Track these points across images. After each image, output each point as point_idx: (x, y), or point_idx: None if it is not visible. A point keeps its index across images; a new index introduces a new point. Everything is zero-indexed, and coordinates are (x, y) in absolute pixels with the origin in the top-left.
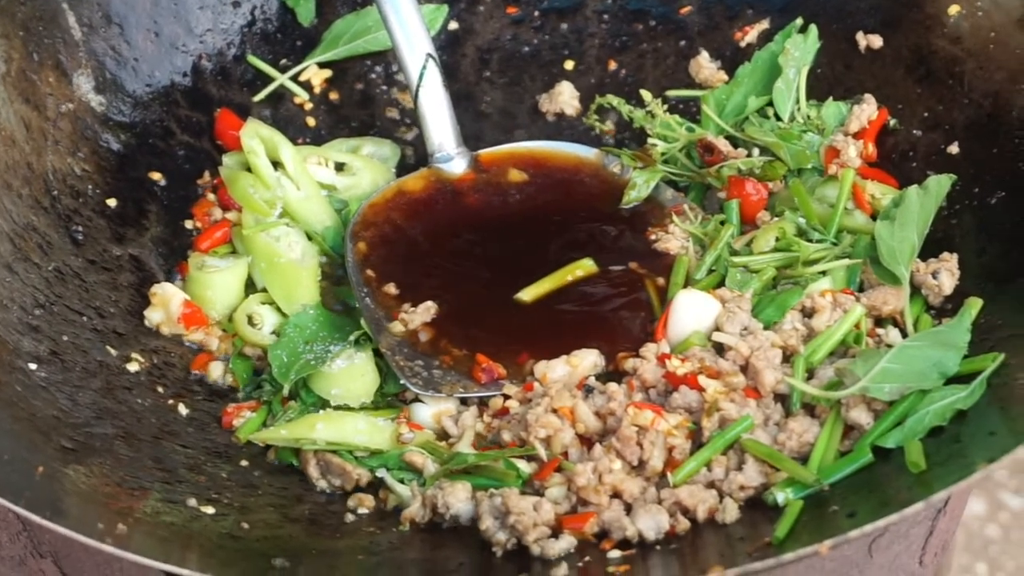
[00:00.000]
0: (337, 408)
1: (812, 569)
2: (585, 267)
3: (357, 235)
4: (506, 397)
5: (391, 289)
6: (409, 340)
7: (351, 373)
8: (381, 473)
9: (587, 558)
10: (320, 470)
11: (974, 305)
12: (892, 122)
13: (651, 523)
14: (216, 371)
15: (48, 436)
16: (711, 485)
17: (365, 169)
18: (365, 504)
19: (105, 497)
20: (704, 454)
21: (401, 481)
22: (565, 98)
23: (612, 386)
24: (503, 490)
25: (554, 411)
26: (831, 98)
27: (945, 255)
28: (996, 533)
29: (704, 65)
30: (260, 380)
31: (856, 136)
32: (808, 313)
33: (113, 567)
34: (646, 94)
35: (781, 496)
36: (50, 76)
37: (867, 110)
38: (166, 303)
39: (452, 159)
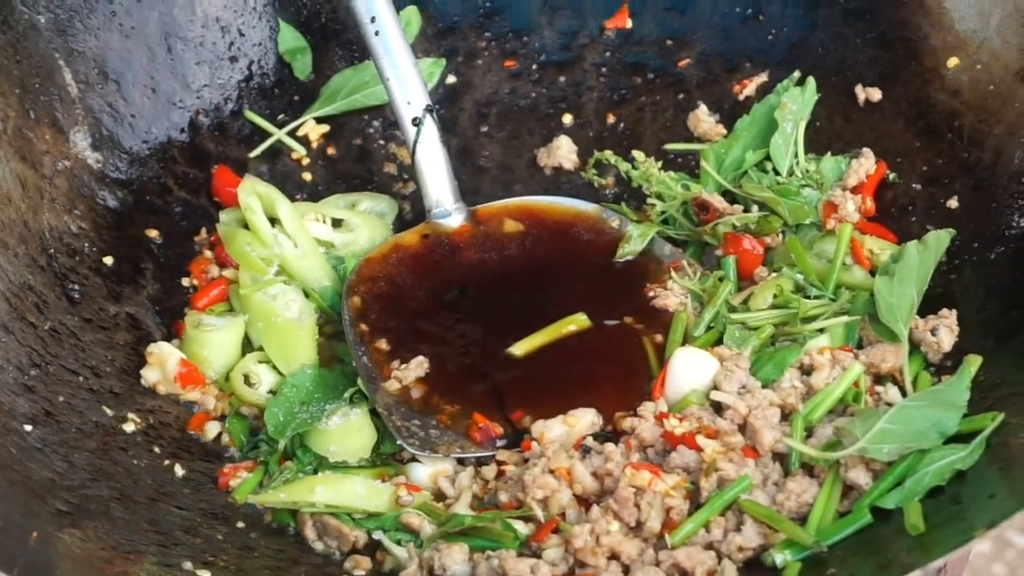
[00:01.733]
0: (335, 466)
1: None
2: (578, 321)
3: (352, 290)
4: (500, 463)
5: (382, 345)
6: (404, 398)
7: (348, 430)
8: (378, 535)
9: None
10: (317, 531)
11: (973, 363)
12: (891, 176)
13: None
14: (212, 431)
15: (43, 499)
16: (709, 546)
17: (363, 225)
18: (362, 566)
19: (100, 562)
20: (702, 515)
21: (398, 542)
22: (563, 152)
23: (609, 447)
24: (500, 552)
25: (551, 472)
26: (829, 152)
27: (944, 311)
28: (1002, 572)
29: (703, 119)
30: (257, 440)
31: (854, 190)
32: (807, 371)
33: None
34: (639, 154)
35: (780, 558)
36: (46, 133)
37: (865, 164)
38: (163, 362)
39: (450, 215)
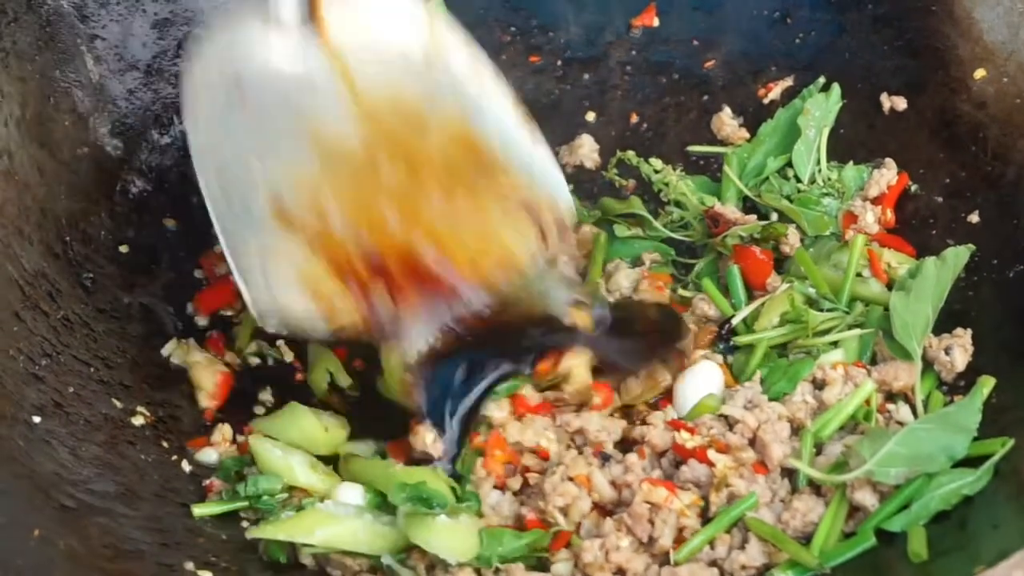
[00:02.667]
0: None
1: None
2: None
3: None
4: None
5: None
6: None
7: (455, 530)
8: (386, 559)
9: None
10: (319, 563)
11: (986, 384)
12: (913, 187)
13: None
14: (209, 456)
15: (48, 494)
16: (713, 563)
17: None
18: None
19: (103, 560)
20: (708, 531)
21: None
22: (585, 151)
23: (630, 457)
24: (508, 566)
25: (571, 479)
26: (851, 162)
27: (959, 331)
28: None
29: (727, 122)
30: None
31: (875, 201)
32: (819, 385)
33: None
34: (656, 162)
35: None
36: (66, 120)
37: (887, 175)
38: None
39: None
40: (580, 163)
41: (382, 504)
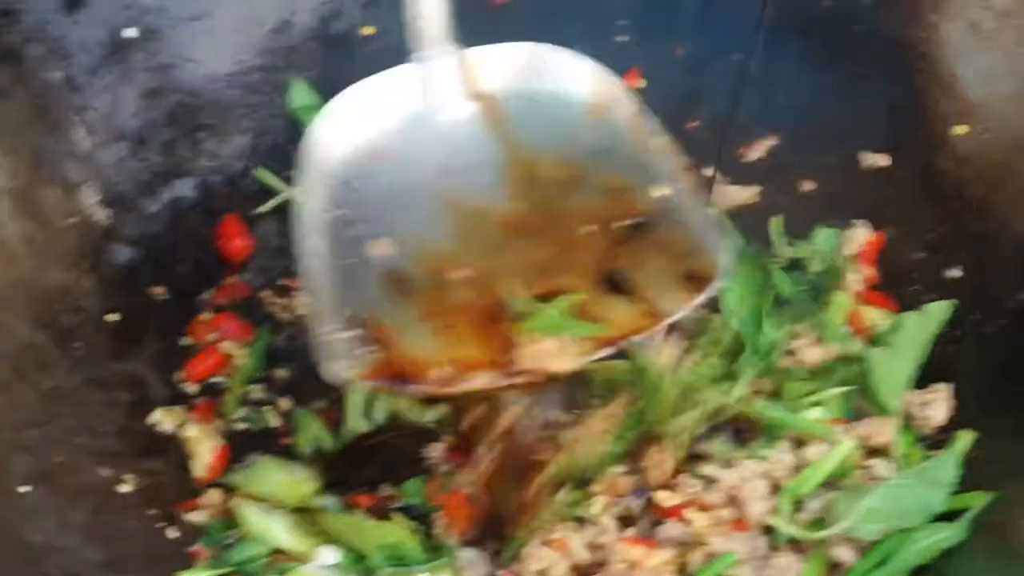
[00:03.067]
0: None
1: None
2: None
3: None
4: None
5: None
6: None
7: None
8: None
9: None
10: None
11: (963, 439)
12: (891, 235)
13: None
14: (199, 517)
15: (36, 563)
16: None
17: None
18: None
19: None
20: None
21: None
22: None
23: (605, 519)
24: None
25: (547, 543)
26: (823, 226)
27: (938, 386)
28: None
29: (727, 190)
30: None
31: (855, 260)
32: (799, 443)
33: None
34: None
35: None
36: (57, 190)
37: (861, 234)
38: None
39: (439, 57)
40: None
41: (357, 560)
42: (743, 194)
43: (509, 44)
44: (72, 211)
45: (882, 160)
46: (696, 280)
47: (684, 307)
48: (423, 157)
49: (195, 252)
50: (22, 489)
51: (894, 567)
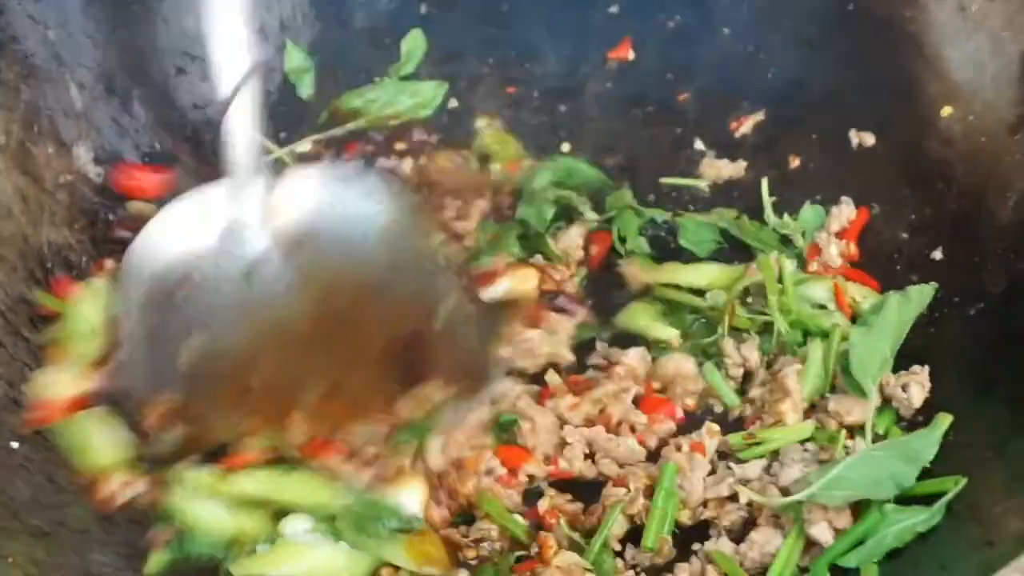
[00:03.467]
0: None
1: None
2: None
3: None
4: None
5: None
6: None
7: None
8: None
9: None
10: None
11: (943, 421)
12: (875, 210)
13: None
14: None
15: (22, 519)
16: None
17: None
18: None
19: None
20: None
21: None
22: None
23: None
24: None
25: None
26: (808, 202)
27: (916, 368)
28: None
29: (715, 163)
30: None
31: (839, 235)
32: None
33: None
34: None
35: None
36: (50, 147)
37: (845, 211)
38: None
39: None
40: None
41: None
42: (731, 168)
43: (314, 169)
44: (66, 169)
45: (868, 139)
46: (470, 381)
47: (455, 402)
48: (227, 275)
49: None
50: (14, 445)
51: (870, 549)
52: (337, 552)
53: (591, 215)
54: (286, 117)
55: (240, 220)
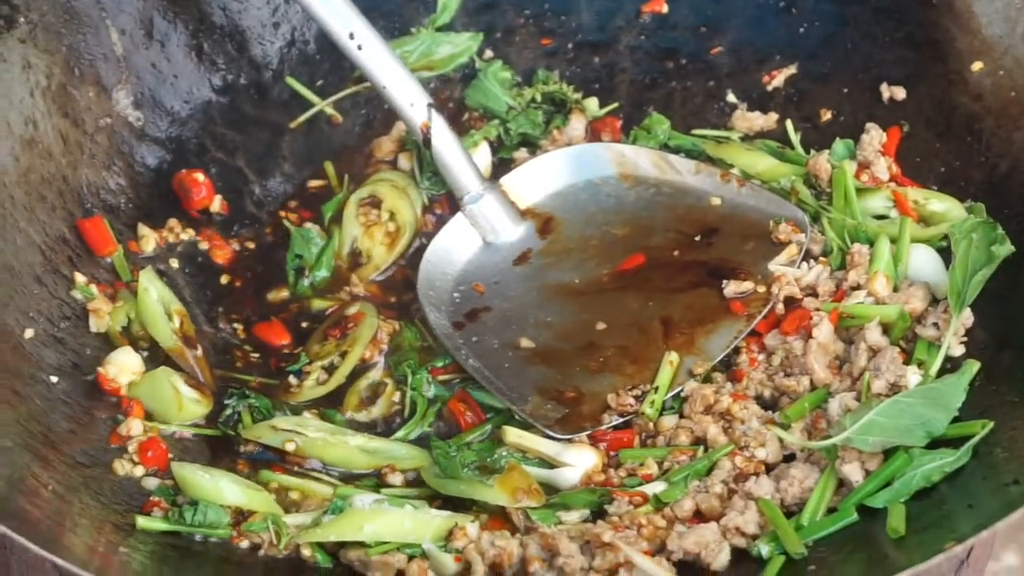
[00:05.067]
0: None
1: None
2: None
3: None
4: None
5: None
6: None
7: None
8: (427, 545)
9: None
10: (360, 567)
11: (971, 367)
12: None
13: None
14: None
15: (61, 451)
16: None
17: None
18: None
19: (115, 514)
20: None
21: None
22: (578, 132)
23: None
24: (552, 530)
25: None
26: (837, 137)
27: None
28: None
29: (747, 115)
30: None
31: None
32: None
33: None
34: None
35: (766, 549)
36: (90, 91)
37: (875, 136)
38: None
39: (481, 196)
40: (569, 141)
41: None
42: (762, 121)
43: (532, 160)
44: (105, 112)
45: (899, 93)
46: (785, 244)
47: (786, 265)
48: (507, 276)
49: (223, 156)
50: (53, 379)
51: (898, 489)
52: (404, 515)
53: (592, 105)
54: (324, 68)
55: (492, 228)
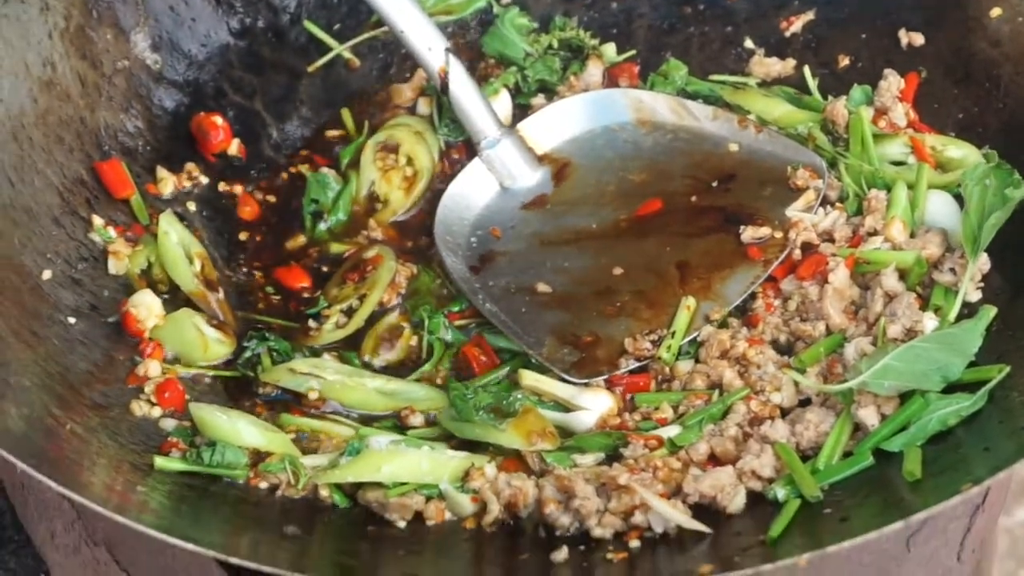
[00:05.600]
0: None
1: (850, 562)
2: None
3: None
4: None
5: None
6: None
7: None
8: (444, 486)
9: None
10: (378, 508)
11: (988, 312)
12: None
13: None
14: (155, 412)
15: (80, 392)
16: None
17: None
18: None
19: (132, 454)
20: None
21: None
22: (596, 78)
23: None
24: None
25: None
26: (855, 84)
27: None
28: None
29: (764, 61)
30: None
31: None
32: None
33: (166, 554)
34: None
35: (781, 492)
36: (108, 33)
37: (893, 82)
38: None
39: (498, 141)
40: (586, 87)
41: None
42: (780, 67)
43: (550, 105)
44: (123, 54)
45: (917, 39)
46: (802, 190)
47: (803, 211)
48: (523, 220)
49: (241, 100)
50: (71, 320)
51: (914, 433)
52: (422, 456)
53: (609, 51)
54: (342, 11)
55: (510, 173)
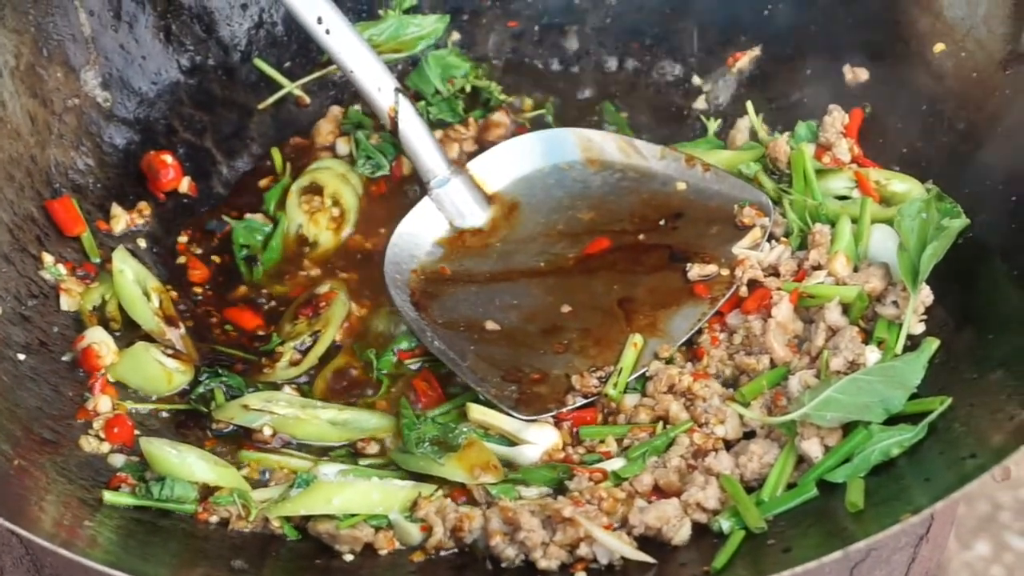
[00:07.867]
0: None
1: None
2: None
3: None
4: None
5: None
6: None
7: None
8: (394, 515)
9: None
10: (329, 540)
11: (930, 345)
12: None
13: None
14: (103, 448)
15: (29, 428)
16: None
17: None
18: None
19: (82, 490)
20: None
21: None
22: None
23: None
24: (513, 504)
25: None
26: (799, 120)
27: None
28: (1000, 574)
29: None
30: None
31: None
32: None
33: None
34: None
35: (726, 524)
36: (58, 71)
37: (838, 117)
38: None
39: (448, 180)
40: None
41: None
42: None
43: (500, 144)
44: (74, 92)
45: (862, 74)
46: (748, 227)
47: (750, 248)
48: (472, 259)
49: (192, 137)
50: (20, 356)
51: (857, 465)
52: (371, 487)
53: (526, 104)
54: (292, 49)
55: (459, 212)
